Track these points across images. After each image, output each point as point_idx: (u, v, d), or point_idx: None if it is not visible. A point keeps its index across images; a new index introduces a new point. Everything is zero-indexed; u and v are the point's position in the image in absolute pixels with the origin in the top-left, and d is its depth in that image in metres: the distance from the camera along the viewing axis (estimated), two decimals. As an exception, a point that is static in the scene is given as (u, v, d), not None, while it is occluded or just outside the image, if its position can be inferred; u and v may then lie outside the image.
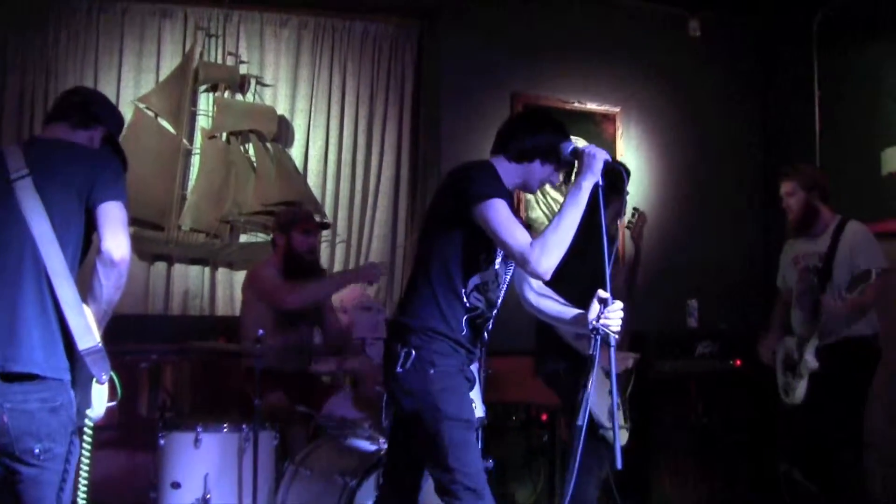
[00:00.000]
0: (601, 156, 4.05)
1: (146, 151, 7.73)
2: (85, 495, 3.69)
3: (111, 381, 3.67)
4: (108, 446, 6.70)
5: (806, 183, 6.24)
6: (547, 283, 4.28)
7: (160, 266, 7.84)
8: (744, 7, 9.12)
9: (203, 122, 8.05)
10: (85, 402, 3.65)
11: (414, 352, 3.99)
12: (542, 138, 4.24)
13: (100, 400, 3.68)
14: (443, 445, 3.92)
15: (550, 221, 3.97)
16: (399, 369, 4.00)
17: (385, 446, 5.12)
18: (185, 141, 7.92)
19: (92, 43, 7.78)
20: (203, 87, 8.07)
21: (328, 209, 8.16)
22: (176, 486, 5.49)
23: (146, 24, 7.93)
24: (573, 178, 4.11)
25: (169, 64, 7.97)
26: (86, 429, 3.65)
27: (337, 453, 5.50)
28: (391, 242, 8.27)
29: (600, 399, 5.57)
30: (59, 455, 3.59)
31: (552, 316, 4.24)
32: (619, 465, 3.68)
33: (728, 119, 9.14)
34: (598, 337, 3.88)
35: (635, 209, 6.79)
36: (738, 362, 7.52)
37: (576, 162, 4.17)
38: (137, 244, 7.62)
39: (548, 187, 8.38)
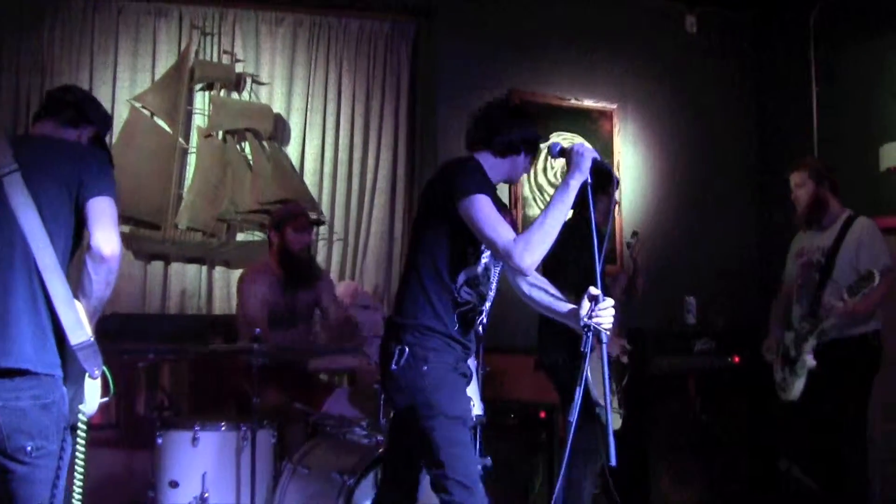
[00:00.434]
0: (589, 154, 4.05)
1: (142, 150, 7.73)
2: (80, 493, 3.68)
3: (104, 376, 3.65)
4: (106, 445, 6.69)
5: (815, 174, 6.16)
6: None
7: (157, 265, 7.82)
8: (740, 3, 9.13)
9: (199, 120, 8.04)
10: (77, 397, 3.64)
11: (408, 349, 4.01)
12: (529, 131, 4.30)
13: (93, 395, 3.67)
14: (435, 441, 3.94)
15: (536, 218, 4.00)
16: (393, 367, 4.03)
17: (382, 444, 5.12)
18: (181, 140, 7.91)
19: (87, 42, 7.77)
20: (199, 86, 8.06)
21: (325, 207, 8.15)
22: (174, 484, 5.48)
23: (141, 23, 7.92)
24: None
25: (164, 63, 7.96)
26: (80, 425, 3.64)
27: (335, 451, 5.49)
28: (388, 240, 8.25)
29: (595, 375, 5.59)
30: (51, 452, 3.57)
31: (544, 306, 4.23)
32: (612, 461, 3.67)
33: (725, 115, 9.14)
34: (590, 334, 3.87)
35: (635, 232, 6.94)
36: (737, 359, 7.50)
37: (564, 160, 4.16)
38: (134, 243, 7.64)
39: (546, 185, 8.38)
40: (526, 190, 8.26)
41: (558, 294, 4.23)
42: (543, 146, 4.27)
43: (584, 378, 3.85)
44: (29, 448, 3.51)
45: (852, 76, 8.18)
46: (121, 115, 7.76)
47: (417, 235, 4.23)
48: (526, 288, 4.23)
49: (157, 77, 7.92)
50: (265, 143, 8.06)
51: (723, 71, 9.21)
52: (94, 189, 3.69)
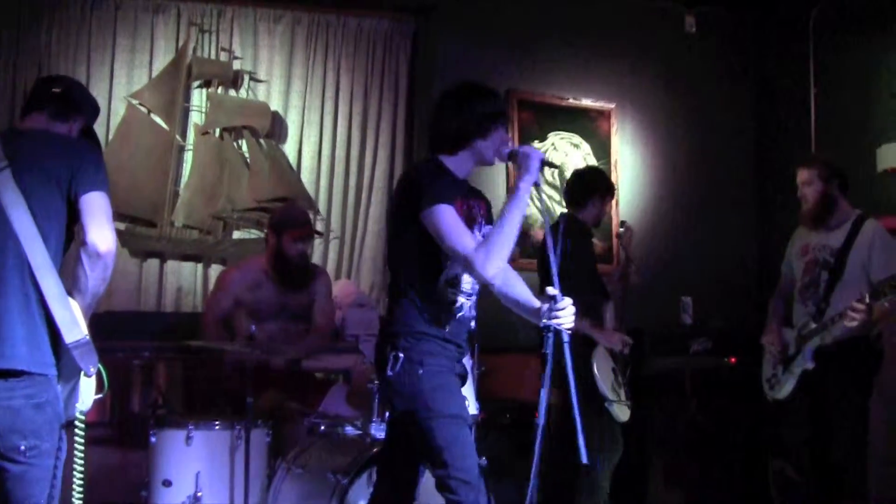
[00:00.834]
0: (536, 155, 4.08)
1: (139, 147, 7.73)
2: (81, 491, 3.67)
3: (98, 372, 3.64)
4: (100, 444, 6.67)
5: (824, 172, 6.01)
6: None
7: (153, 263, 7.81)
8: (740, 3, 9.12)
9: (196, 118, 8.03)
10: (72, 395, 3.62)
11: (402, 354, 4.03)
12: (466, 117, 4.21)
13: (87, 393, 3.65)
14: (437, 443, 3.96)
15: (493, 227, 4.04)
16: (389, 372, 4.05)
17: (377, 444, 5.11)
18: (178, 137, 7.90)
19: (84, 39, 7.75)
20: (196, 83, 8.05)
21: (322, 205, 8.15)
22: (167, 483, 5.46)
23: (139, 19, 7.90)
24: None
25: (162, 60, 7.94)
26: (77, 423, 3.63)
27: (329, 451, 5.47)
28: (385, 239, 8.24)
29: (604, 374, 5.94)
30: (46, 451, 3.56)
31: (512, 300, 4.22)
32: (584, 458, 3.67)
33: (723, 115, 9.13)
34: (551, 334, 3.85)
35: (623, 222, 6.99)
36: (733, 359, 7.49)
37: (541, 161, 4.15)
38: (130, 241, 7.63)
39: (543, 184, 8.35)
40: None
41: (527, 292, 4.22)
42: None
43: (547, 379, 3.83)
44: (23, 447, 3.50)
45: (851, 77, 8.17)
46: (117, 112, 7.75)
47: (392, 243, 4.35)
48: (497, 285, 4.22)
49: (155, 74, 7.91)
50: (262, 141, 8.05)
51: (721, 71, 9.20)
52: (87, 184, 3.67)
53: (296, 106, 8.23)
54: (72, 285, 3.61)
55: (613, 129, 8.76)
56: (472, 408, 5.54)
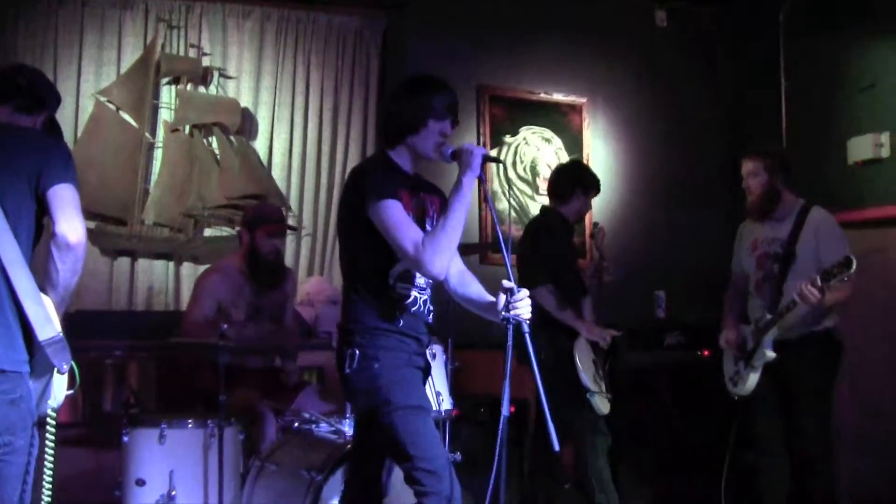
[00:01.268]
0: (478, 151, 4.06)
1: (108, 145, 7.69)
2: (50, 489, 3.63)
3: (70, 369, 3.60)
4: (73, 444, 6.62)
5: (769, 164, 6.00)
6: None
7: (123, 261, 7.77)
8: (710, -2, 9.15)
9: (165, 115, 7.99)
10: (45, 392, 3.59)
11: (358, 351, 4.04)
12: (399, 111, 4.23)
13: (59, 389, 3.62)
14: (398, 436, 3.97)
15: (437, 221, 4.04)
16: (347, 370, 4.07)
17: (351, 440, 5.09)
18: (147, 134, 7.86)
19: (51, 36, 7.70)
20: (165, 80, 8.01)
21: (293, 202, 8.12)
22: (141, 483, 5.42)
23: (106, 16, 7.85)
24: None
25: (130, 56, 7.90)
26: (49, 420, 3.60)
27: (303, 448, 5.45)
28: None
29: (585, 366, 6.05)
30: (20, 449, 3.52)
31: (466, 299, 4.23)
32: (556, 447, 3.67)
33: (695, 109, 9.15)
34: (511, 326, 3.85)
35: (596, 223, 7.04)
36: (707, 353, 7.50)
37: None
38: (100, 239, 7.60)
39: (516, 179, 8.37)
40: (496, 184, 8.25)
41: (480, 289, 4.21)
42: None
43: (508, 371, 3.81)
44: None
45: (820, 71, 8.21)
46: (86, 110, 7.71)
47: (342, 241, 4.31)
48: (452, 283, 4.22)
49: (123, 71, 7.86)
50: (233, 138, 8.02)
51: (692, 65, 9.23)
52: (55, 177, 3.63)
53: (266, 102, 8.20)
54: (43, 280, 3.58)
55: (585, 124, 8.77)
56: (447, 403, 5.54)
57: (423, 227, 4.08)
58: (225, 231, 7.95)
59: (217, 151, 8.01)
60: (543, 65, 8.66)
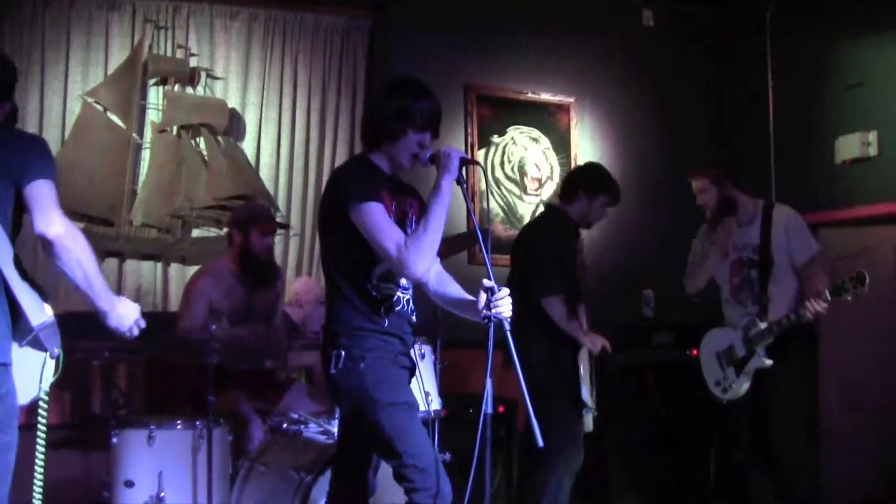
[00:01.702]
0: (456, 154, 4.06)
1: (95, 146, 7.67)
2: (41, 486, 3.63)
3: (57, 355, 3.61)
4: (61, 445, 6.62)
5: (715, 177, 6.09)
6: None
7: (111, 262, 7.75)
8: (697, -3, 9.17)
9: (153, 115, 7.98)
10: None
11: (343, 352, 4.04)
12: (377, 116, 4.21)
13: (47, 375, 3.63)
14: (386, 434, 3.98)
15: (419, 224, 4.03)
16: (332, 371, 4.07)
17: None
18: (134, 135, 7.85)
19: (38, 37, 7.68)
20: (152, 81, 8.00)
21: (281, 202, 8.12)
22: (129, 484, 5.41)
23: (93, 16, 7.84)
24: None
25: (117, 57, 7.89)
26: (41, 404, 3.59)
27: (292, 449, 5.45)
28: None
29: (587, 379, 5.98)
30: (6, 445, 3.50)
31: (447, 300, 4.24)
32: (539, 443, 3.68)
33: (682, 109, 9.17)
34: (493, 325, 3.86)
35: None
36: (695, 352, 7.50)
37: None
38: (88, 240, 7.54)
39: (503, 178, 8.37)
40: (482, 184, 8.25)
41: (459, 289, 4.23)
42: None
43: (489, 369, 3.83)
44: None
45: (808, 69, 8.24)
46: (73, 111, 7.69)
47: (324, 243, 4.29)
48: (431, 285, 4.23)
49: (110, 72, 7.85)
50: (220, 139, 8.01)
51: (680, 64, 9.24)
52: (31, 173, 3.62)
53: (253, 103, 8.20)
54: (70, 285, 3.62)
55: (573, 123, 8.78)
56: (436, 403, 5.54)
57: (403, 230, 4.07)
58: (213, 232, 7.94)
59: (205, 152, 8.00)
60: (531, 64, 8.66)
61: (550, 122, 8.71)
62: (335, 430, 5.35)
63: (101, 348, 6.33)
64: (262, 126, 8.20)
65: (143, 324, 3.97)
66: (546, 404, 5.11)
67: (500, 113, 8.53)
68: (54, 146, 7.57)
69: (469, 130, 8.36)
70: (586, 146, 8.81)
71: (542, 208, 8.45)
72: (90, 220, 7.63)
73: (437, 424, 5.62)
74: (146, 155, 7.92)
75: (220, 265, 6.42)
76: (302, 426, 5.60)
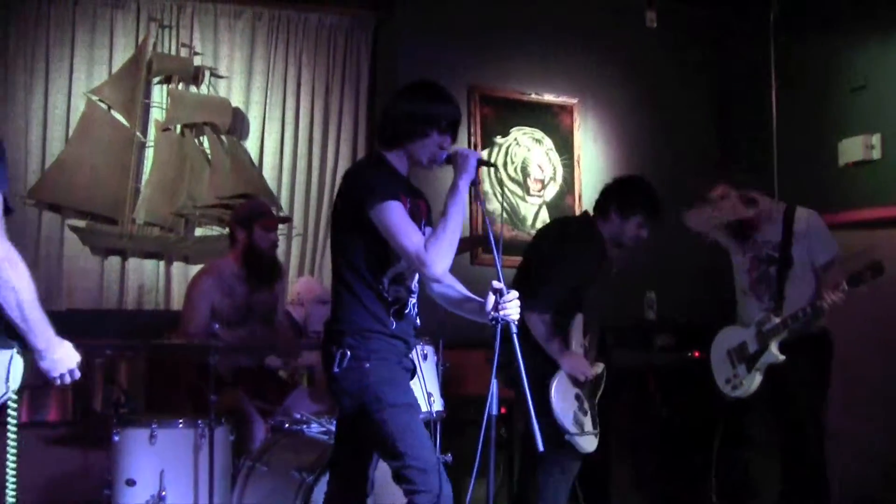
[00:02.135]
0: (473, 156, 4.10)
1: (99, 144, 7.68)
2: (14, 491, 3.61)
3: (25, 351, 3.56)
4: (62, 443, 6.62)
5: (730, 183, 6.26)
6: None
7: (114, 260, 7.76)
8: (700, -1, 9.15)
9: (157, 114, 7.98)
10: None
11: (349, 352, 4.04)
12: (403, 115, 4.22)
13: (17, 371, 3.53)
14: (389, 434, 3.98)
15: (437, 224, 4.04)
16: (336, 370, 4.07)
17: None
18: (138, 133, 7.85)
19: (43, 34, 7.69)
20: (156, 79, 8.01)
21: (284, 202, 8.12)
22: (131, 483, 5.41)
23: (98, 15, 7.85)
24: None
25: (122, 55, 7.90)
26: (10, 404, 3.56)
27: (294, 449, 5.44)
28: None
29: (566, 404, 5.55)
30: None
31: (453, 302, 4.25)
32: (540, 447, 3.69)
33: (685, 110, 9.15)
34: (500, 327, 3.88)
35: None
36: (697, 354, 7.51)
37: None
38: (91, 238, 7.60)
39: (506, 180, 8.36)
40: (486, 185, 8.23)
41: (465, 291, 4.24)
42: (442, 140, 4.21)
43: (495, 371, 3.84)
44: None
45: (811, 72, 8.22)
46: (77, 109, 7.70)
47: (338, 243, 4.26)
48: (435, 286, 4.23)
49: (115, 70, 7.86)
50: (223, 137, 8.02)
51: (683, 66, 9.22)
52: None
53: (257, 102, 8.20)
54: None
55: (576, 124, 8.76)
56: (438, 404, 5.54)
57: None
58: (215, 230, 7.95)
59: (208, 151, 8.01)
60: (534, 65, 8.65)
61: (554, 123, 8.69)
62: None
63: (103, 346, 6.34)
64: (266, 125, 8.21)
65: (77, 375, 3.69)
66: (545, 408, 5.12)
67: (504, 114, 8.51)
68: (59, 144, 7.59)
69: (472, 131, 8.34)
70: (589, 147, 8.80)
71: (545, 210, 8.45)
72: (93, 217, 7.65)
73: (438, 426, 5.62)
74: (150, 153, 7.93)
75: (222, 265, 6.42)
76: (304, 426, 5.61)
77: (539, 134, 8.62)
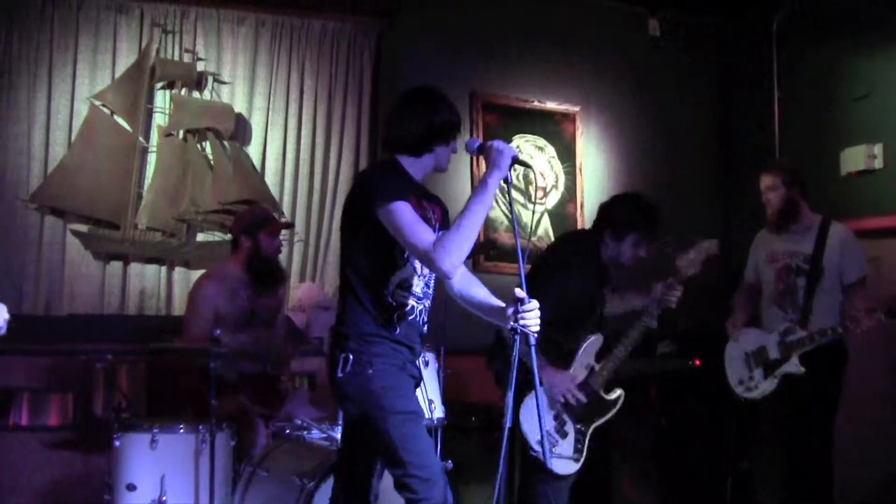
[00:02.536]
0: (508, 152, 4.01)
1: (101, 149, 7.67)
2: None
3: None
4: (63, 447, 6.63)
5: (787, 177, 6.12)
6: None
7: (116, 265, 7.74)
8: (703, 7, 9.14)
9: (160, 119, 7.97)
10: None
11: (352, 356, 4.03)
12: (433, 123, 4.20)
13: None
14: (391, 442, 3.96)
15: (455, 220, 3.97)
16: (339, 374, 4.05)
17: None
18: (141, 139, 7.84)
19: (46, 39, 7.68)
20: (160, 85, 8.00)
21: (286, 208, 8.12)
22: (131, 487, 5.42)
23: (101, 20, 7.84)
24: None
25: (125, 61, 7.89)
26: None
27: (295, 454, 5.45)
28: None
29: (534, 422, 5.17)
30: None
31: (474, 303, 4.19)
32: (549, 465, 3.68)
33: (687, 119, 9.16)
34: (518, 336, 3.83)
35: None
36: (698, 362, 7.51)
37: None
38: (93, 243, 7.60)
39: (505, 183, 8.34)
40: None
41: (487, 292, 4.19)
42: (462, 142, 4.20)
43: (513, 382, 3.82)
44: None
45: (813, 81, 8.23)
46: (80, 113, 7.69)
47: (345, 246, 4.25)
48: (455, 286, 4.20)
49: (118, 75, 7.85)
50: (226, 143, 8.02)
51: (685, 75, 9.24)
52: None
53: (260, 108, 8.20)
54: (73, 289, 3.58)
55: (578, 132, 8.77)
56: (439, 411, 5.54)
57: None
58: (217, 236, 7.94)
59: (210, 156, 8.00)
60: (537, 73, 8.66)
61: (556, 131, 8.70)
62: (338, 436, 5.35)
63: (104, 350, 6.34)
64: (269, 131, 8.19)
65: (3, 331, 3.73)
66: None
67: (506, 121, 8.52)
68: (61, 148, 7.59)
69: (474, 138, 8.35)
70: (591, 155, 8.81)
71: (546, 217, 8.45)
72: (95, 222, 7.64)
73: (439, 432, 5.62)
74: (152, 158, 7.91)
75: (226, 270, 6.44)
76: (305, 432, 5.61)
77: (541, 141, 8.63)
